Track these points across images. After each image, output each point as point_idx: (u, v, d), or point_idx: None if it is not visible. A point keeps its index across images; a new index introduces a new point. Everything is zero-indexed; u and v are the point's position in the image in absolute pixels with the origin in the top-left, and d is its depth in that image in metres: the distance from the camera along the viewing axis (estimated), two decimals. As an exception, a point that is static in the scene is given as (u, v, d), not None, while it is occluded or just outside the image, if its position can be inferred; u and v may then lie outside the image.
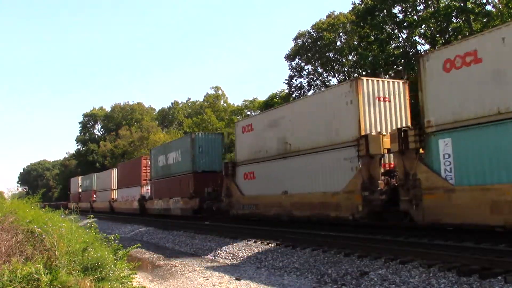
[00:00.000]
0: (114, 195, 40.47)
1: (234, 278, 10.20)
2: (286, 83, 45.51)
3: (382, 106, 13.73)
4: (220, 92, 68.37)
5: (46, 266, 5.58)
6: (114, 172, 41.17)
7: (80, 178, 57.56)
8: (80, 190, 55.45)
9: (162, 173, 28.28)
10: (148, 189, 31.54)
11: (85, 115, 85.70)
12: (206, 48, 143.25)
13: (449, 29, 29.84)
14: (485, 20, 28.13)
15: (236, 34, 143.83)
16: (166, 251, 16.85)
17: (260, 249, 13.35)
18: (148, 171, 31.71)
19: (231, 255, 13.72)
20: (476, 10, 28.27)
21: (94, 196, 47.94)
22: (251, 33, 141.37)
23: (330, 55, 42.76)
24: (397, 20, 31.99)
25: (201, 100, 73.17)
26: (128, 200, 35.24)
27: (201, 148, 24.04)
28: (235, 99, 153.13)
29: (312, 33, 43.22)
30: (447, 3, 29.80)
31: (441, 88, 10.75)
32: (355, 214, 12.90)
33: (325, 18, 43.46)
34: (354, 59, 41.06)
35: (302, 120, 15.82)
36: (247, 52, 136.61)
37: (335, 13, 43.22)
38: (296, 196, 15.60)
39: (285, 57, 45.41)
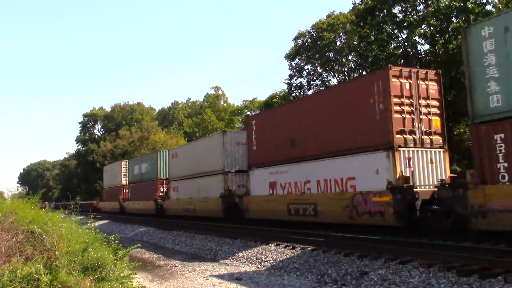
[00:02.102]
0: (233, 184, 20.64)
1: (234, 278, 10.21)
2: (286, 83, 45.58)
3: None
4: (220, 92, 68.50)
5: (46, 266, 5.58)
6: (230, 138, 20.83)
7: (124, 163, 37.70)
8: (124, 182, 36.30)
9: None
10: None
11: (85, 115, 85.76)
12: (206, 48, 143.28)
13: (449, 29, 29.83)
14: (485, 20, 28.12)
15: (236, 34, 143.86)
16: (166, 251, 16.85)
17: (260, 249, 13.35)
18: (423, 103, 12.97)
19: (231, 255, 13.71)
20: (476, 10, 28.27)
21: (162, 189, 28.54)
22: (251, 33, 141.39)
23: (330, 55, 42.77)
24: (397, 20, 31.99)
25: (201, 100, 73.34)
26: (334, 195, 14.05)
27: None
28: (235, 99, 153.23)
29: (312, 33, 43.22)
30: (447, 3, 29.81)
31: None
32: None
33: (325, 18, 43.48)
34: (354, 59, 41.10)
35: None
36: (247, 52, 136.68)
37: (335, 13, 43.25)
38: None
39: (285, 57, 45.48)
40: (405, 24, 31.36)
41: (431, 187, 12.36)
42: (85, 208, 44.12)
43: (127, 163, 37.19)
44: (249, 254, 13.13)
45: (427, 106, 12.99)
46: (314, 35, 42.91)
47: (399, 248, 10.41)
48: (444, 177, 12.53)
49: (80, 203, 49.98)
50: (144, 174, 31.61)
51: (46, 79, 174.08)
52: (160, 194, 28.38)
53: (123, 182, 36.54)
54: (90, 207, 45.58)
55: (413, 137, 12.60)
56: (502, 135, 9.47)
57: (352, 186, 13.29)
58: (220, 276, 10.60)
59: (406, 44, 32.53)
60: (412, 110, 12.72)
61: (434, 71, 13.62)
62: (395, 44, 33.26)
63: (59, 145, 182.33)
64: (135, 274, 7.37)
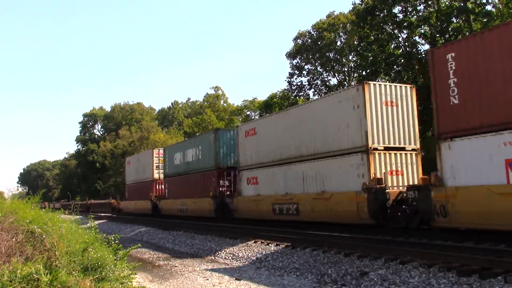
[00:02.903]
0: (379, 168, 13.00)
1: (234, 278, 10.20)
2: (286, 81, 45.66)
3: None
4: (220, 92, 68.49)
5: (46, 266, 5.58)
6: (374, 94, 13.18)
7: (156, 151, 29.74)
8: (157, 176, 28.92)
9: None
10: None
11: (85, 115, 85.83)
12: (206, 48, 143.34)
13: (449, 29, 29.83)
14: (485, 20, 28.13)
15: (236, 34, 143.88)
16: (166, 251, 16.85)
17: (260, 249, 13.35)
18: None
19: (231, 255, 13.71)
20: (476, 10, 28.29)
21: (222, 182, 21.32)
22: (251, 33, 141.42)
23: (330, 55, 42.80)
24: (397, 20, 32.00)
25: (201, 100, 73.38)
26: None
27: None
28: (235, 99, 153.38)
29: (312, 33, 43.26)
30: (447, 3, 29.82)
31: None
32: None
33: (325, 18, 43.51)
34: (354, 59, 41.12)
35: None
36: (247, 52, 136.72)
37: (335, 13, 43.30)
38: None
39: (286, 55, 45.52)
40: (405, 24, 31.37)
41: None
42: (101, 209, 41.12)
43: (160, 151, 29.24)
44: (249, 254, 13.13)
45: None
46: (315, 35, 42.95)
47: (399, 248, 10.40)
48: None
49: (93, 203, 44.09)
50: (192, 163, 23.90)
51: (46, 79, 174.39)
52: (221, 189, 20.95)
53: (156, 175, 28.91)
54: (109, 208, 39.31)
55: None
56: None
57: None
58: (220, 276, 10.60)
59: (406, 44, 32.54)
60: None
61: None
62: (395, 44, 33.28)
63: (59, 145, 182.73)
64: (135, 274, 7.37)
